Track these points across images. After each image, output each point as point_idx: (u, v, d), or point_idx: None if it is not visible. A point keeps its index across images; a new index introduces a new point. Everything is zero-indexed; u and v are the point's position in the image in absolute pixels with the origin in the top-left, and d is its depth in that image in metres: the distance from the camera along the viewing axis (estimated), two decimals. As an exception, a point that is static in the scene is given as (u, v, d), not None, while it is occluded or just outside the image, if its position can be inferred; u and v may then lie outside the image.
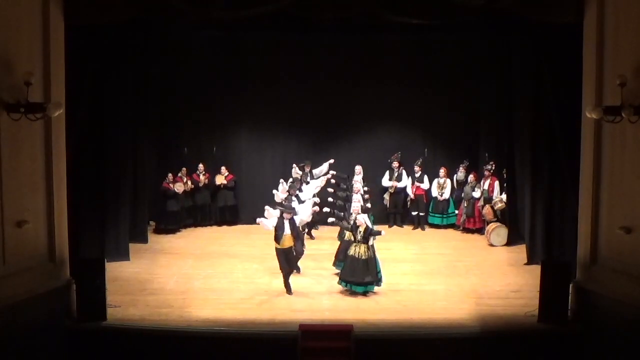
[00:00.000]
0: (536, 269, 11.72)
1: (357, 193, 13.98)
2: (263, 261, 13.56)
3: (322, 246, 14.95)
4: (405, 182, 16.79)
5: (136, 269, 13.63)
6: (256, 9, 10.99)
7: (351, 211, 12.91)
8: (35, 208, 10.51)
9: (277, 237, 12.14)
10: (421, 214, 16.85)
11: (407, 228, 16.90)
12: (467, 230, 16.41)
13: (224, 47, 16.39)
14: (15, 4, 9.98)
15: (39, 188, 10.60)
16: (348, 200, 14.30)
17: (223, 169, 16.81)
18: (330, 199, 14.85)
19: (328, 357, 10.59)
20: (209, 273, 13.36)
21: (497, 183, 15.80)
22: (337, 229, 13.87)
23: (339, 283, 12.10)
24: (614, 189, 10.53)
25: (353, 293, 11.96)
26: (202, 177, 16.73)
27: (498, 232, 15.24)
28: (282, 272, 12.21)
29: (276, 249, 12.22)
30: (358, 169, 16.24)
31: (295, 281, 12.23)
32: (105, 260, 11.55)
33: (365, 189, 14.85)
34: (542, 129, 13.03)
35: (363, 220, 12.01)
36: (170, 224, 16.26)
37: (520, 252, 14.31)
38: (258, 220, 12.40)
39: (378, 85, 16.64)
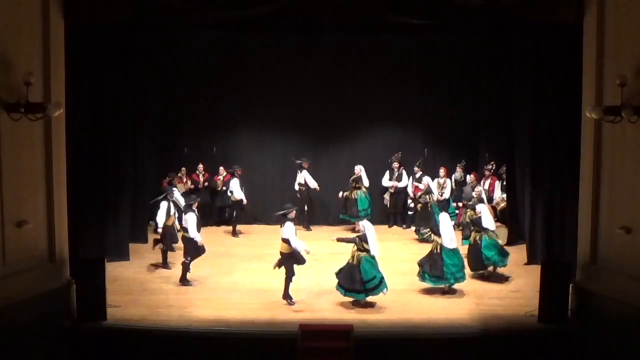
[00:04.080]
0: (536, 269, 11.72)
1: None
2: (263, 261, 13.56)
3: (323, 246, 14.95)
4: (406, 182, 16.78)
5: (136, 269, 13.64)
6: (256, 9, 11.00)
7: None
8: (35, 208, 10.52)
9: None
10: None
11: (406, 228, 16.88)
12: (467, 230, 16.37)
13: (224, 47, 16.37)
14: (15, 3, 9.99)
15: (39, 188, 10.61)
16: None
17: (221, 169, 16.78)
18: None
19: (328, 357, 10.60)
20: (209, 273, 13.36)
21: (497, 183, 15.79)
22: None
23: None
24: (614, 189, 10.54)
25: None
26: (201, 178, 16.71)
27: (498, 232, 15.20)
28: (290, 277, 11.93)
29: (288, 254, 11.96)
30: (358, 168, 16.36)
31: (295, 281, 12.19)
32: (105, 260, 11.56)
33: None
34: (542, 129, 13.01)
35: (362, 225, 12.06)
36: (170, 224, 16.23)
37: (520, 252, 14.29)
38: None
39: (378, 85, 16.60)
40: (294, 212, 12.27)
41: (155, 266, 13.73)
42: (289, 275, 11.90)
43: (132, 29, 12.78)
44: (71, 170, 11.44)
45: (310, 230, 16.34)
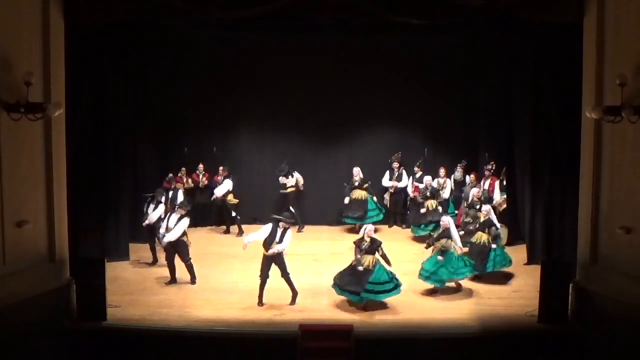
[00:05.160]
0: (536, 269, 11.73)
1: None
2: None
3: (323, 246, 14.97)
4: (406, 182, 16.77)
5: (136, 269, 13.65)
6: (256, 9, 11.00)
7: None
8: (35, 208, 10.53)
9: (267, 244, 11.86)
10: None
11: (406, 228, 16.87)
12: (467, 230, 16.36)
13: (224, 47, 16.36)
14: (15, 3, 10.00)
15: (39, 188, 10.62)
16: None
17: (221, 169, 16.76)
18: None
19: (328, 357, 10.60)
20: (209, 273, 13.36)
21: (497, 183, 15.77)
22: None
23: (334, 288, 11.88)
24: (614, 189, 10.54)
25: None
26: (201, 178, 16.70)
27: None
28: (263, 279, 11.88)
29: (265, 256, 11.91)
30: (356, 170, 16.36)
31: (295, 281, 12.18)
32: (105, 260, 11.57)
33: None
34: (542, 129, 13.02)
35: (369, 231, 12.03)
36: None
37: (520, 252, 14.29)
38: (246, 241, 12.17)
39: (378, 85, 16.60)
40: (288, 225, 11.97)
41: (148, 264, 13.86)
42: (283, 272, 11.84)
43: (132, 29, 12.80)
44: (71, 170, 11.44)
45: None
